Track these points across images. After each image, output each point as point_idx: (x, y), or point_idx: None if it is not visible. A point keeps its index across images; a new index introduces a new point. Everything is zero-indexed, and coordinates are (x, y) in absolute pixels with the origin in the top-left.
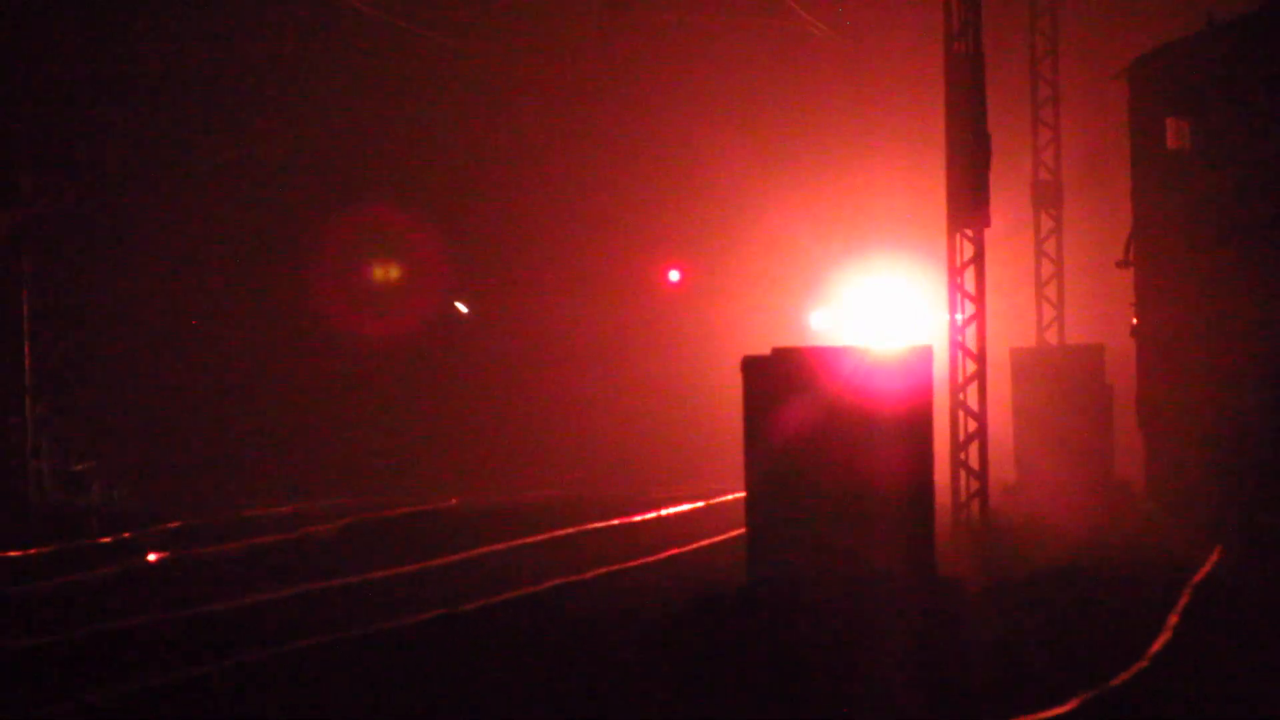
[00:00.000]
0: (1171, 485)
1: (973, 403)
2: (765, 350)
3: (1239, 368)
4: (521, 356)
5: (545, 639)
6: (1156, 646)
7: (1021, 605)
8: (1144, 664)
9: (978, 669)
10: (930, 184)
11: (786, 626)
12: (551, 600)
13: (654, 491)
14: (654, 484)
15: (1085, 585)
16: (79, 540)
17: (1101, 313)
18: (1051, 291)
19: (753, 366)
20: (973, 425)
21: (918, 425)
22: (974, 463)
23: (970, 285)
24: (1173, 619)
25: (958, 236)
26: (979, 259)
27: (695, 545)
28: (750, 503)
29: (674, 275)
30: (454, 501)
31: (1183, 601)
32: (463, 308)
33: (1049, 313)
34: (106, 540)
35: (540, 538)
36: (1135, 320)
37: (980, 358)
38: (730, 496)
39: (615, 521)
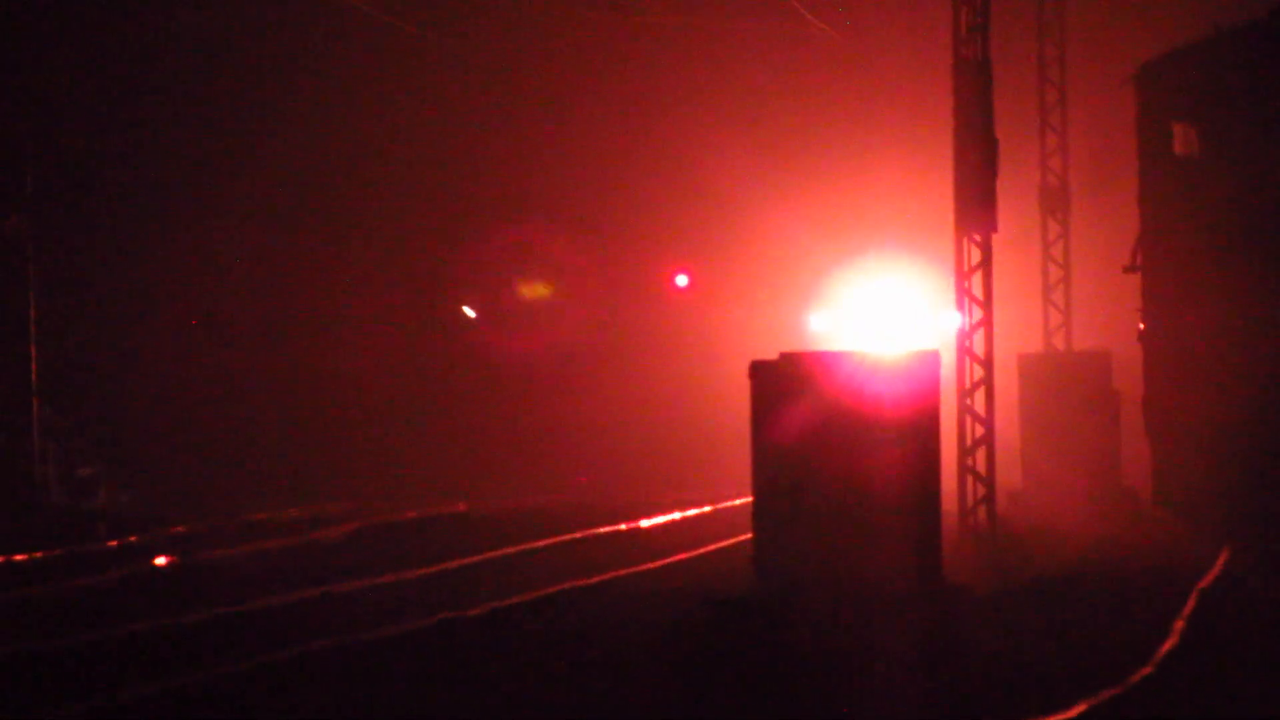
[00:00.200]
0: (1179, 490)
1: (980, 408)
2: (769, 354)
3: (1246, 373)
4: (528, 360)
5: (552, 643)
6: (1163, 652)
7: (1028, 611)
8: (1149, 670)
9: (983, 674)
10: (931, 186)
11: (793, 632)
12: (559, 605)
13: (661, 496)
14: (662, 488)
15: (1092, 591)
16: (86, 544)
17: (1109, 318)
18: (1059, 297)
19: (760, 371)
20: (980, 431)
21: (925, 430)
22: (981, 468)
23: (978, 290)
24: (1179, 624)
25: (965, 241)
26: (986, 264)
27: (702, 550)
28: (757, 507)
29: (682, 280)
30: (462, 506)
31: (1189, 607)
32: (470, 311)
33: (1056, 318)
34: (113, 544)
35: (548, 542)
36: (1142, 326)
37: (987, 363)
38: (738, 501)
39: (622, 526)
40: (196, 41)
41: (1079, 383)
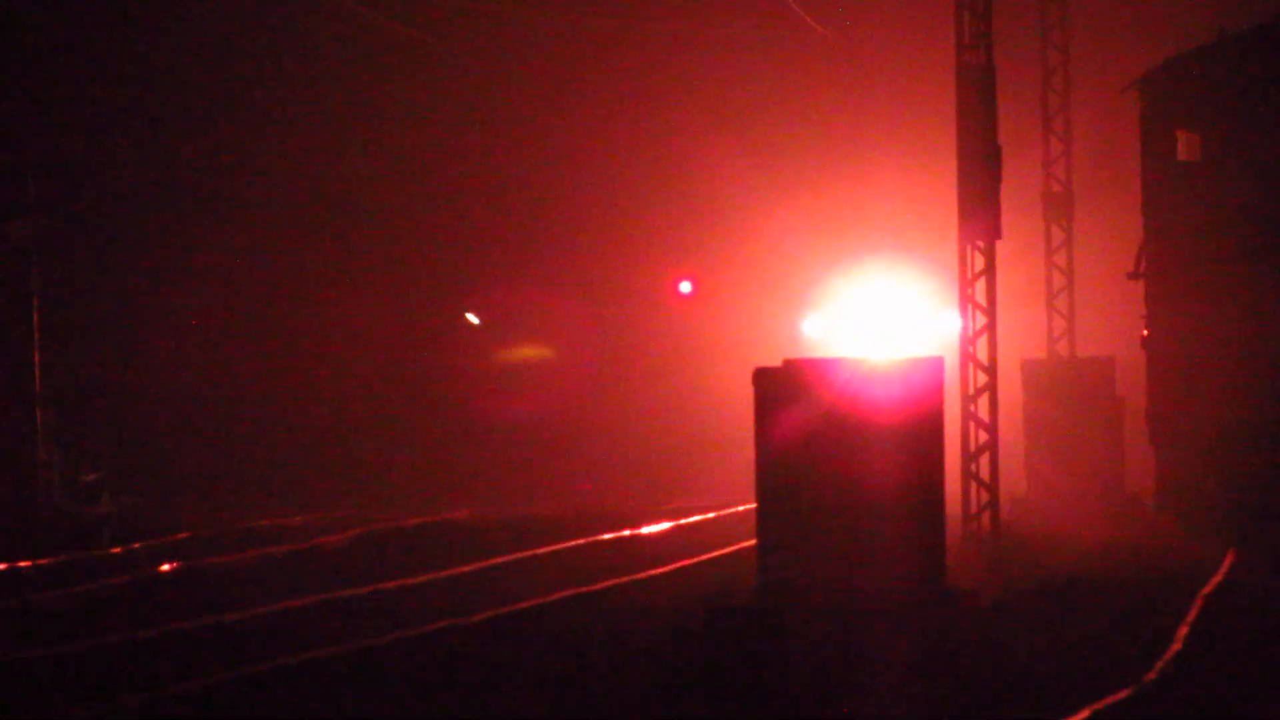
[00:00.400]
0: (1182, 496)
1: (983, 414)
2: (768, 360)
3: (1249, 379)
4: (530, 369)
5: (556, 649)
6: (1166, 658)
7: (1031, 616)
8: (1153, 675)
9: (986, 679)
10: (929, 190)
11: (797, 637)
12: (562, 611)
13: (662, 503)
14: (664, 495)
15: (1095, 596)
16: (90, 550)
17: (1112, 324)
18: (1062, 303)
19: (764, 377)
20: (983, 437)
21: (929, 436)
22: (985, 474)
23: (981, 297)
24: (1182, 630)
25: (969, 248)
26: (990, 270)
27: (705, 556)
28: (761, 513)
29: (685, 286)
30: (464, 513)
31: (1192, 613)
32: (474, 318)
33: (1060, 324)
34: (117, 550)
35: (551, 549)
36: (1146, 332)
37: (991, 369)
38: (741, 507)
39: (625, 533)
40: (201, 49)
41: (1083, 389)
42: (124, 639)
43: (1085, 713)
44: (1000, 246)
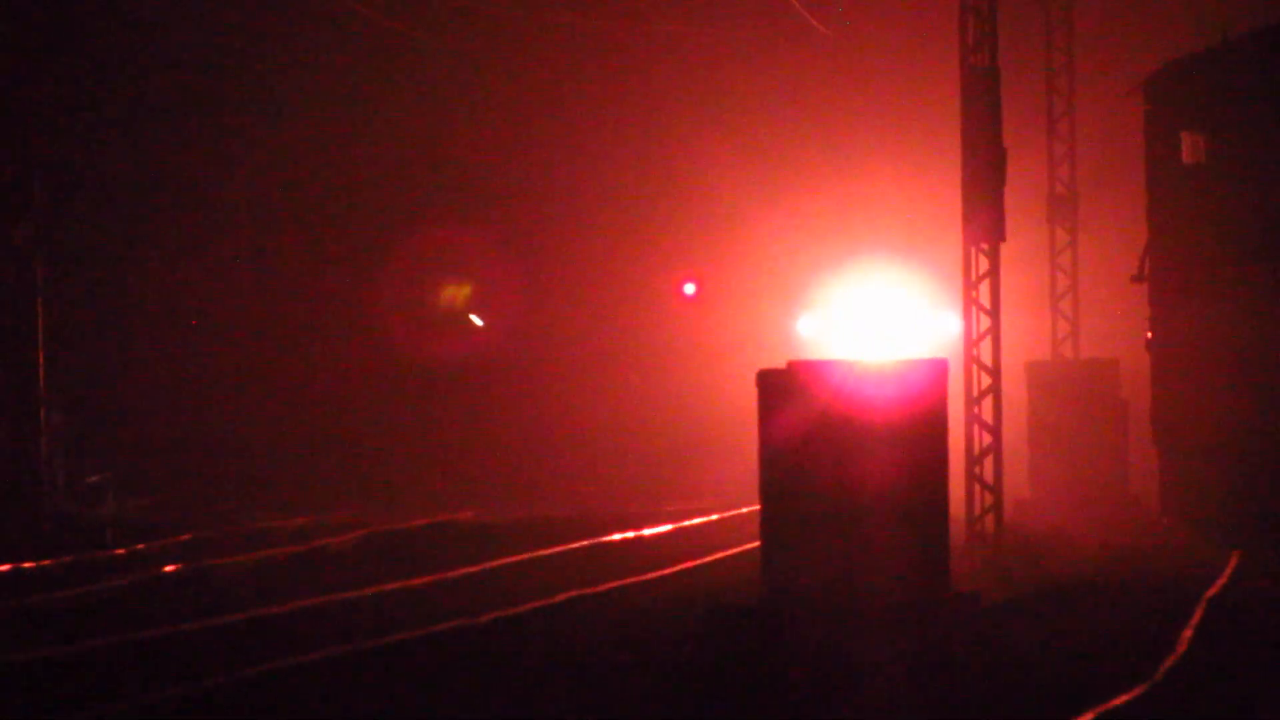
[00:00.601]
0: (1186, 499)
1: (987, 417)
2: (766, 362)
3: (1254, 382)
4: (537, 370)
5: (560, 651)
6: (1169, 662)
7: (1035, 620)
8: (1157, 678)
9: (990, 682)
10: (926, 191)
11: (800, 639)
12: (566, 612)
13: (666, 505)
14: (668, 497)
15: (1099, 599)
16: (94, 551)
17: (1116, 327)
18: (1067, 306)
19: (768, 379)
20: (987, 439)
21: (933, 439)
22: (988, 477)
23: (985, 299)
24: (1186, 633)
25: (973, 250)
26: (994, 273)
27: (709, 558)
28: (765, 516)
29: (689, 288)
30: (467, 514)
31: (1196, 616)
32: (478, 320)
33: (1064, 327)
34: (121, 551)
35: (555, 550)
36: (1150, 334)
37: (995, 372)
38: (745, 509)
39: (629, 534)
40: (202, 51)
41: (1087, 392)
42: (127, 640)
43: (1089, 716)
44: (1004, 249)
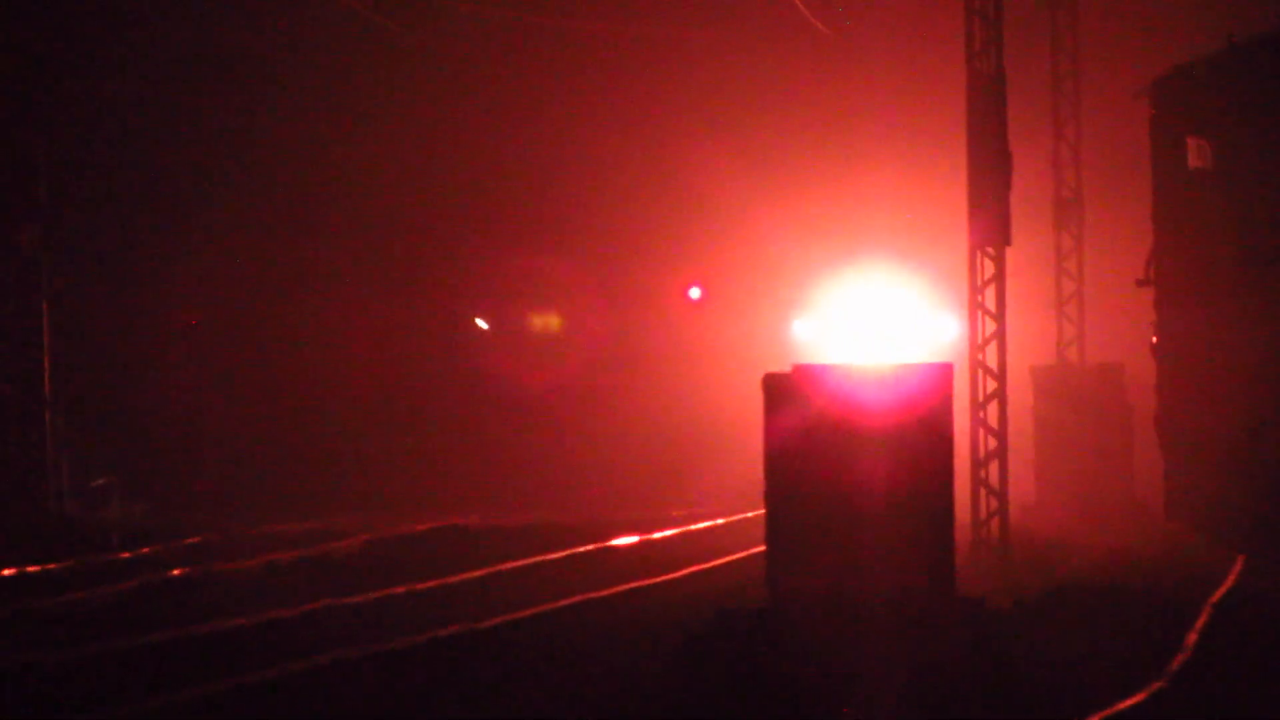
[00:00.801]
0: (1191, 503)
1: (993, 421)
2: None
3: (1260, 386)
4: (538, 373)
5: (566, 655)
6: (1175, 666)
7: (1040, 623)
8: (1162, 683)
9: (994, 685)
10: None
11: (805, 643)
12: (572, 617)
13: (671, 509)
14: (673, 501)
15: (1105, 603)
16: (99, 555)
17: (1122, 331)
18: (1072, 309)
19: (773, 383)
20: (993, 443)
21: (938, 443)
22: (994, 481)
23: (990, 303)
24: (1191, 638)
25: (978, 255)
26: (1000, 277)
27: (715, 563)
28: (770, 520)
29: (695, 293)
30: (473, 519)
31: (1202, 620)
32: (482, 324)
33: (1069, 331)
34: (126, 555)
35: (561, 554)
36: (1156, 339)
37: (1001, 376)
38: (750, 514)
39: (635, 538)
40: (206, 53)
41: (1092, 396)
42: (133, 644)
43: (1095, 719)
44: (1009, 253)
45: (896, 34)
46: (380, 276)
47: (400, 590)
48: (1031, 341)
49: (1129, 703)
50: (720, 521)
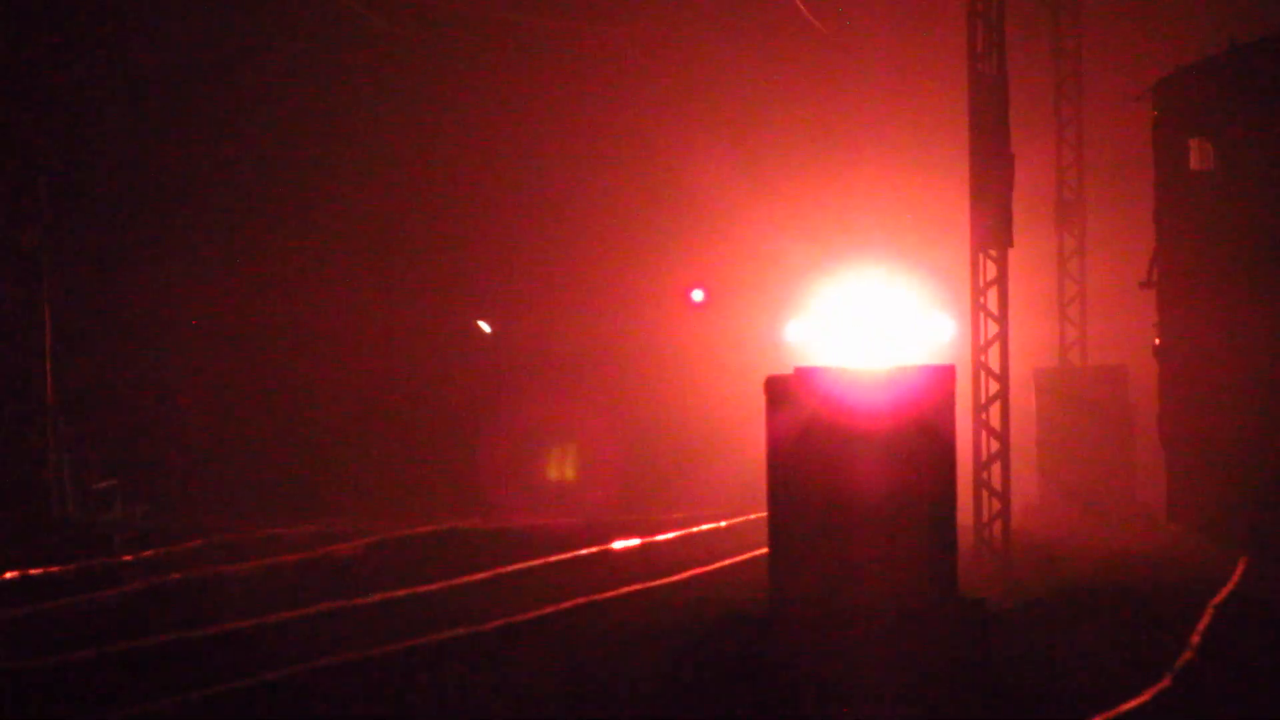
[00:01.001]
0: (1194, 505)
1: (995, 423)
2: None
3: (1262, 388)
4: (544, 376)
5: (568, 657)
6: (1177, 666)
7: (1043, 624)
8: (1165, 684)
9: (996, 687)
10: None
11: (807, 645)
12: (574, 619)
13: (674, 512)
14: (676, 503)
15: (1107, 605)
16: (101, 558)
17: (1124, 333)
18: (1074, 311)
19: (775, 386)
20: (995, 445)
21: (940, 445)
22: (996, 482)
23: (993, 305)
24: (1193, 640)
25: (981, 257)
26: (1002, 279)
27: (717, 565)
28: (773, 522)
29: (697, 295)
30: (475, 521)
31: (1204, 621)
32: (485, 326)
33: (1072, 332)
34: (129, 558)
35: (563, 557)
36: (1158, 340)
37: (1003, 378)
38: (753, 516)
39: (637, 541)
40: (207, 53)
41: (1095, 397)
42: (135, 647)
43: None
44: (1011, 255)
45: (894, 32)
46: (381, 279)
47: (402, 593)
48: (1034, 343)
49: (1132, 704)
50: (723, 524)
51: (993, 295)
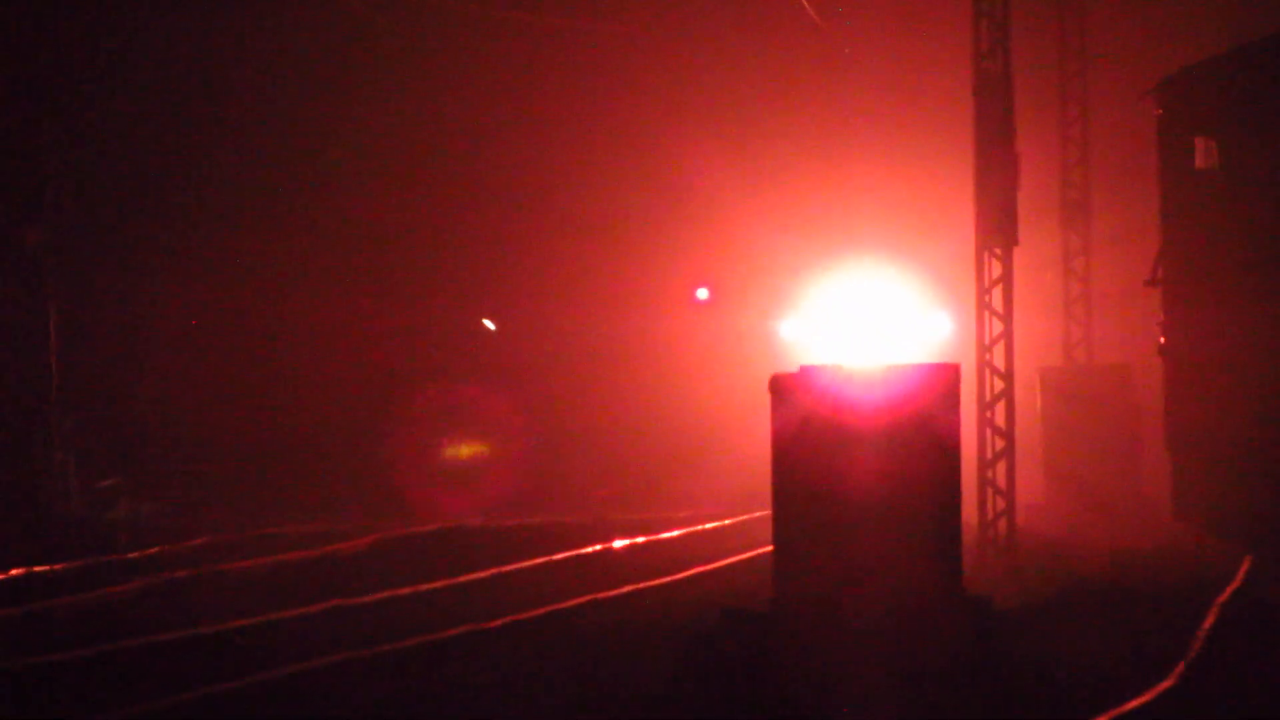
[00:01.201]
0: (1199, 503)
1: (1000, 421)
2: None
3: (1267, 386)
4: (548, 375)
5: (572, 655)
6: (1182, 666)
7: (1047, 623)
8: (1169, 683)
9: (1001, 686)
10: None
11: (812, 642)
12: (578, 616)
13: (679, 510)
14: (681, 502)
15: (1112, 603)
16: (106, 555)
17: (1129, 332)
18: (1079, 310)
19: (780, 384)
20: (1000, 443)
21: (945, 443)
22: (1001, 481)
23: (998, 304)
24: (1198, 637)
25: (986, 255)
26: (1007, 278)
27: (721, 563)
28: (777, 520)
29: (702, 293)
30: (479, 520)
31: (1209, 620)
32: (490, 324)
33: (1077, 331)
34: (134, 555)
35: (567, 555)
36: (1163, 339)
37: (1008, 376)
38: (758, 513)
39: (641, 539)
40: (214, 54)
41: (1100, 396)
42: (140, 645)
43: (1102, 719)
44: (1017, 253)
45: (894, 29)
46: (386, 277)
47: (406, 591)
48: (1039, 342)
49: (1136, 703)
50: (727, 522)
51: (998, 294)
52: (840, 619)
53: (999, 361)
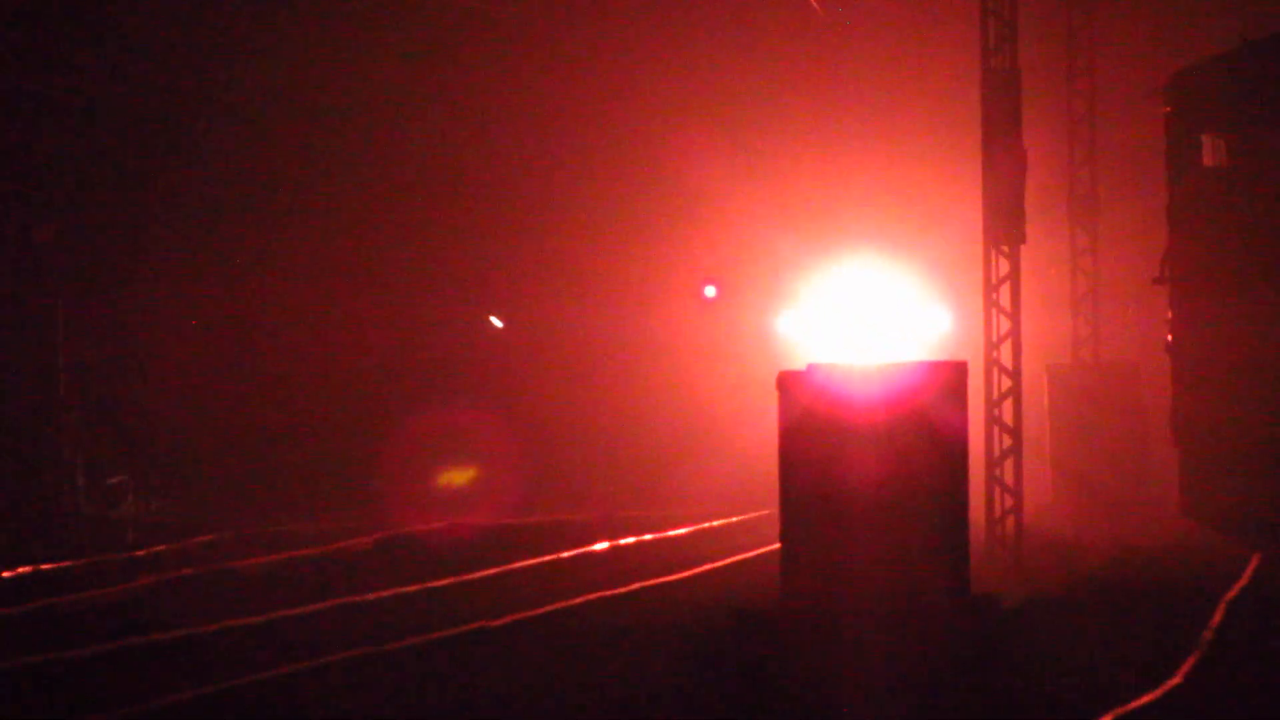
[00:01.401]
0: (1206, 501)
1: (1008, 419)
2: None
3: (1274, 384)
4: (554, 374)
5: (579, 653)
6: (1189, 663)
7: (1055, 621)
8: (1177, 680)
9: (1008, 683)
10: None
11: (819, 640)
12: (585, 614)
13: (687, 508)
14: (688, 500)
15: (1120, 601)
16: (113, 553)
17: (1136, 330)
18: (1087, 308)
19: (788, 382)
20: (1008, 441)
21: (953, 441)
22: (1009, 479)
23: (1005, 301)
24: (1206, 636)
25: (993, 253)
26: (1014, 276)
27: (728, 561)
28: (784, 518)
29: (710, 291)
30: (484, 518)
31: (1216, 618)
32: (497, 322)
33: (1084, 329)
34: (141, 553)
35: (573, 553)
36: (1170, 337)
37: (1015, 374)
38: (765, 512)
39: (649, 538)
40: (218, 53)
41: (1107, 394)
42: (147, 642)
43: (1108, 718)
44: (1024, 251)
45: (897, 24)
46: (392, 275)
47: (413, 588)
48: (1046, 340)
49: (1144, 700)
50: (734, 519)
51: (1005, 291)
52: (847, 617)
53: (1006, 359)
